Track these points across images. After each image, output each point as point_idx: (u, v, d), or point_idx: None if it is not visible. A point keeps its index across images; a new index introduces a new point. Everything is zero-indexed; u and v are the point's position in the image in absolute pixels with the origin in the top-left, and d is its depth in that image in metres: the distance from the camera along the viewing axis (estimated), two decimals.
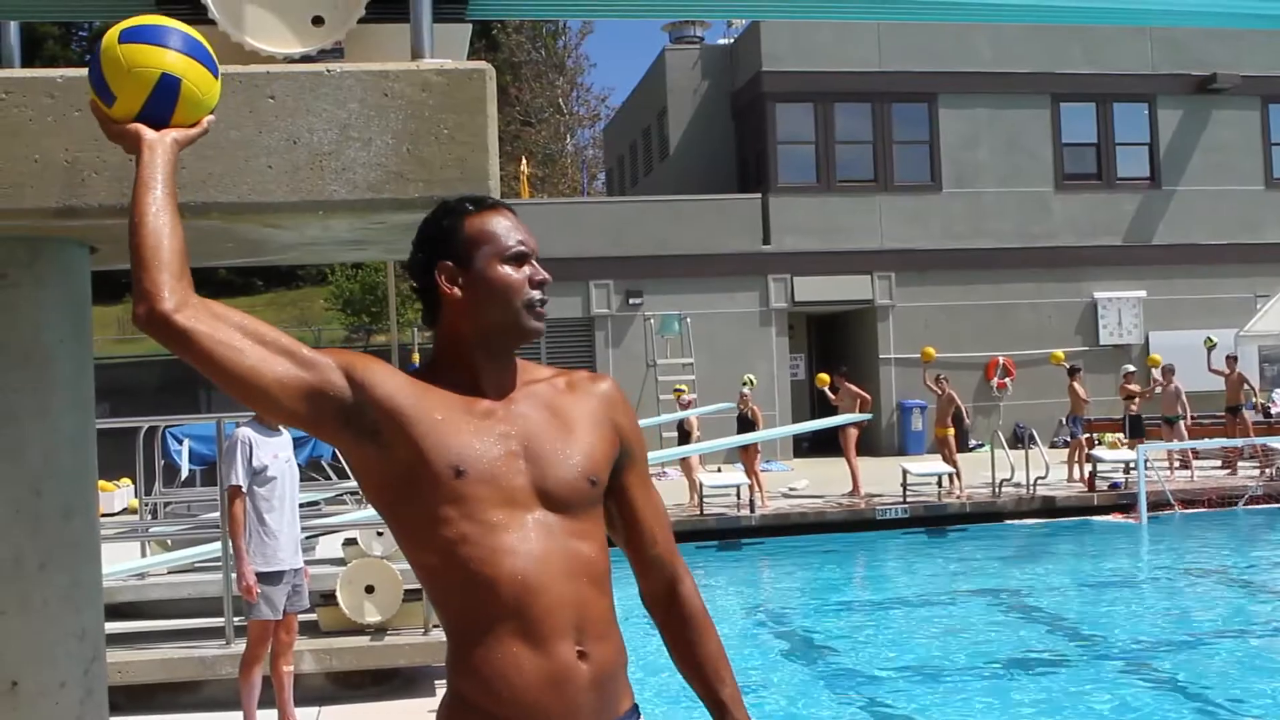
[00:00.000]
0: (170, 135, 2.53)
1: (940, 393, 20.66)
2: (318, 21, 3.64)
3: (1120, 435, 22.10)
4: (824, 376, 21.78)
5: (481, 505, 2.31)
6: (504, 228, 2.46)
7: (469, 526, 2.30)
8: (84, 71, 3.23)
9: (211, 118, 2.66)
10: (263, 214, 3.37)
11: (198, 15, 3.54)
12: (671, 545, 2.64)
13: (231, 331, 2.33)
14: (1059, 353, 24.20)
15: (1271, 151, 29.69)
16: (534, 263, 2.47)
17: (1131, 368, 23.47)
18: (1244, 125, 29.42)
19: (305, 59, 3.58)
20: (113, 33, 2.57)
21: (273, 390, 2.33)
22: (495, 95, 3.42)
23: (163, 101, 2.53)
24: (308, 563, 8.11)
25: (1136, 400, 21.60)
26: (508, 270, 2.43)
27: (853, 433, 20.10)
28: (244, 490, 7.24)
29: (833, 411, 20.65)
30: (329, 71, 3.35)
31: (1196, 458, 21.93)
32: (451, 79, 3.36)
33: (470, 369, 2.43)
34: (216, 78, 2.64)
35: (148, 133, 2.52)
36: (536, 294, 2.45)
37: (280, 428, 7.63)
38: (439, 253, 2.45)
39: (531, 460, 2.38)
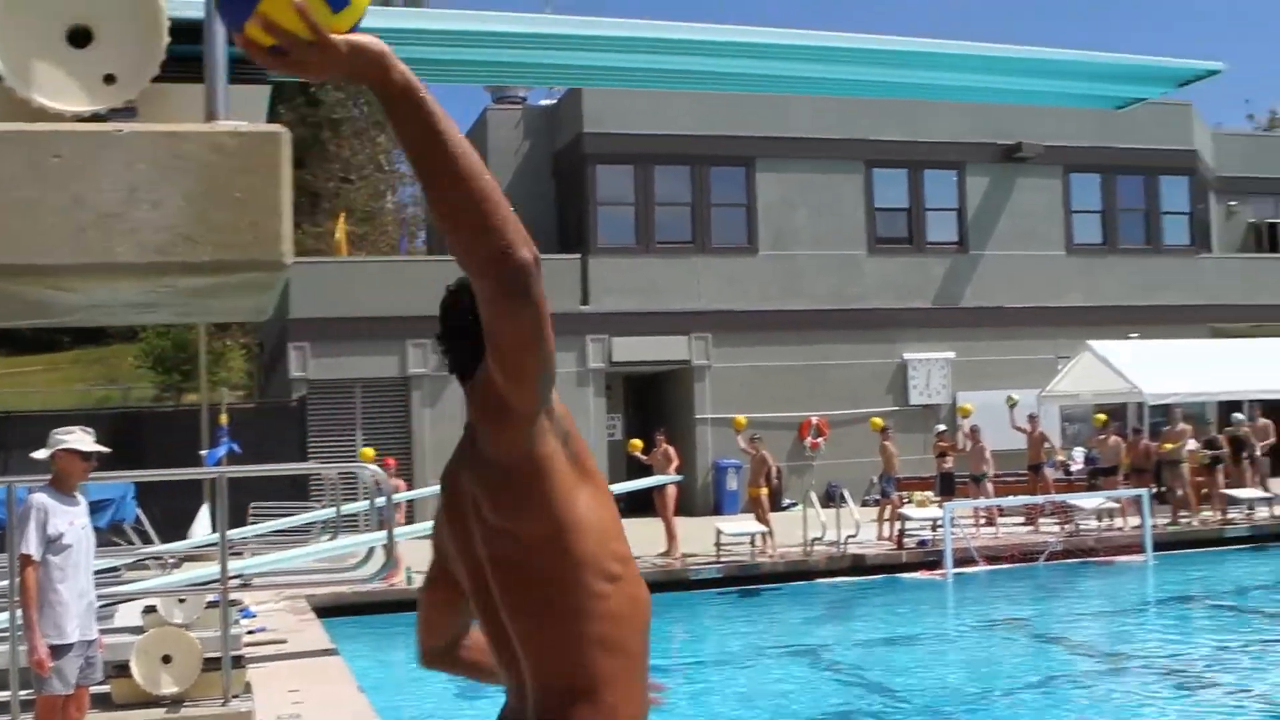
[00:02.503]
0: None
1: (754, 453, 20.91)
2: (109, 80, 3.55)
3: (930, 493, 22.59)
4: (636, 443, 21.87)
5: None
6: None
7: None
8: None
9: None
10: (45, 276, 3.26)
11: None
12: None
13: None
14: (878, 420, 24.46)
15: (1072, 218, 30.91)
16: None
17: (943, 427, 24.13)
18: (1047, 192, 30.61)
19: (95, 118, 3.49)
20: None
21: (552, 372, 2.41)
22: (290, 158, 3.38)
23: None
24: (104, 632, 7.82)
25: (949, 457, 22.18)
26: None
27: (671, 492, 20.17)
28: (37, 559, 6.97)
29: (647, 472, 20.75)
30: (118, 131, 3.27)
31: (1001, 514, 22.55)
32: (245, 141, 3.31)
33: None
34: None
35: (377, 43, 2.10)
36: None
37: (77, 495, 7.33)
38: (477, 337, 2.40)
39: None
